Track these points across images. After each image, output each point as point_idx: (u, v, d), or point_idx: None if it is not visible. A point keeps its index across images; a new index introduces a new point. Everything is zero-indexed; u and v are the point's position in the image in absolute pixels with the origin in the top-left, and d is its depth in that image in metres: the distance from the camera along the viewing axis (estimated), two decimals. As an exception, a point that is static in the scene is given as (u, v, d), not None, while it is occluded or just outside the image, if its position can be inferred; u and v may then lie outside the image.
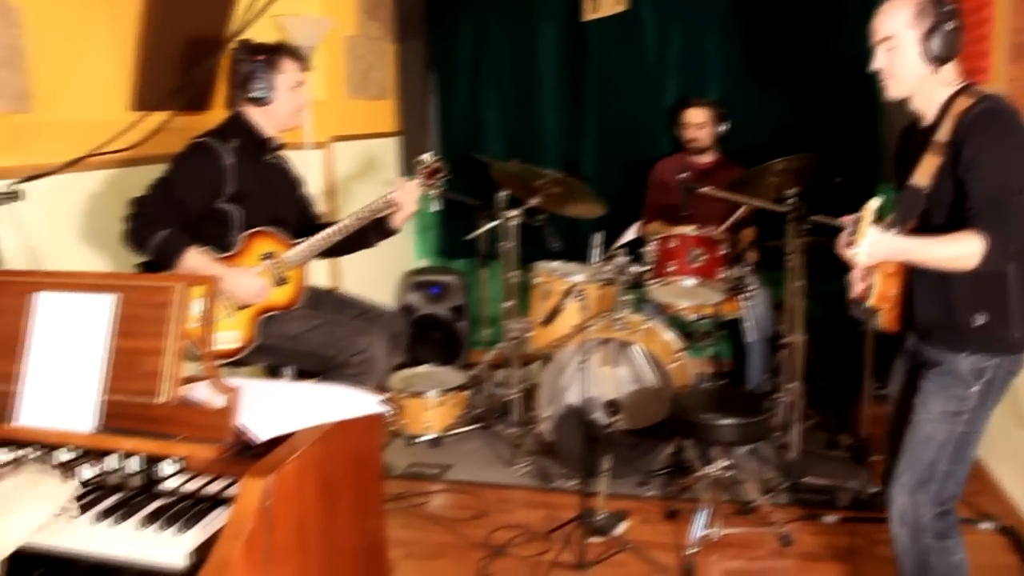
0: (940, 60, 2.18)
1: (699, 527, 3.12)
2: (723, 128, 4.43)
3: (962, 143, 2.13)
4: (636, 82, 4.84)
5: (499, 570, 3.07)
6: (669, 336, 3.88)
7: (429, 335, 5.08)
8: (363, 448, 1.73)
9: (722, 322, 4.25)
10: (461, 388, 4.31)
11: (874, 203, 2.02)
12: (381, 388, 3.21)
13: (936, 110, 2.25)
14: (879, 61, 2.27)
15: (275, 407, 1.64)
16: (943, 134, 2.18)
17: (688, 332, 4.25)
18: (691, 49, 4.77)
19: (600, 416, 3.62)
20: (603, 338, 3.85)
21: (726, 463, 3.24)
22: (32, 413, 1.66)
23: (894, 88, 2.28)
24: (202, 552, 1.33)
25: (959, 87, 2.23)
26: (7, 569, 1.24)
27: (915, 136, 2.34)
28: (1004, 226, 2.07)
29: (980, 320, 2.19)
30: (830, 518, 3.33)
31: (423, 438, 4.18)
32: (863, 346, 3.68)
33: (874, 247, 2.07)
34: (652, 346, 3.72)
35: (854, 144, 4.43)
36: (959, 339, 2.23)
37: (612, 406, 3.43)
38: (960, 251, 2.09)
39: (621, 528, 3.31)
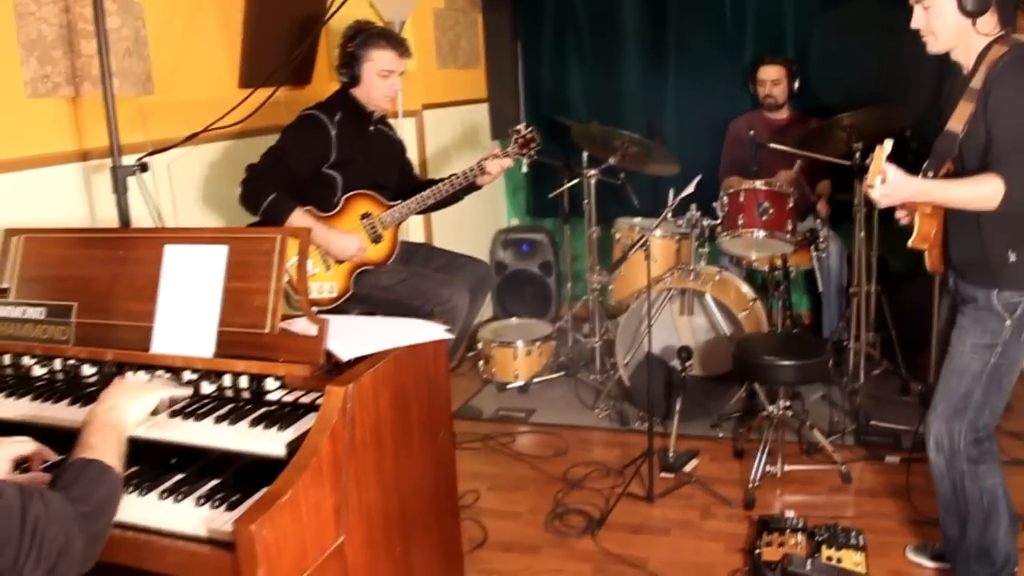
0: (976, 13, 2.26)
1: (762, 463, 3.33)
2: (797, 85, 4.53)
3: (991, 90, 2.24)
4: (714, 43, 4.95)
5: (574, 500, 3.35)
6: (743, 287, 4.06)
7: (521, 290, 5.38)
8: (431, 368, 2.04)
9: (802, 273, 4.39)
10: (547, 339, 4.59)
11: (887, 144, 2.17)
12: (465, 332, 3.51)
13: (973, 59, 2.33)
14: (918, 20, 2.36)
15: (357, 335, 1.95)
16: (976, 81, 2.28)
17: (764, 283, 4.41)
18: (768, 9, 4.85)
19: (675, 362, 3.83)
20: (678, 288, 4.06)
21: (788, 403, 3.42)
22: (163, 342, 2.01)
23: (934, 44, 2.37)
24: (296, 445, 1.66)
25: (996, 36, 2.30)
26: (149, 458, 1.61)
27: (956, 83, 2.44)
28: None
29: (1012, 257, 2.30)
30: (892, 458, 3.48)
31: (512, 385, 4.48)
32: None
33: (895, 188, 2.22)
34: (726, 296, 3.91)
35: (931, 97, 4.45)
36: (992, 276, 2.34)
37: (684, 352, 3.64)
38: (980, 192, 2.21)
39: (691, 465, 3.55)
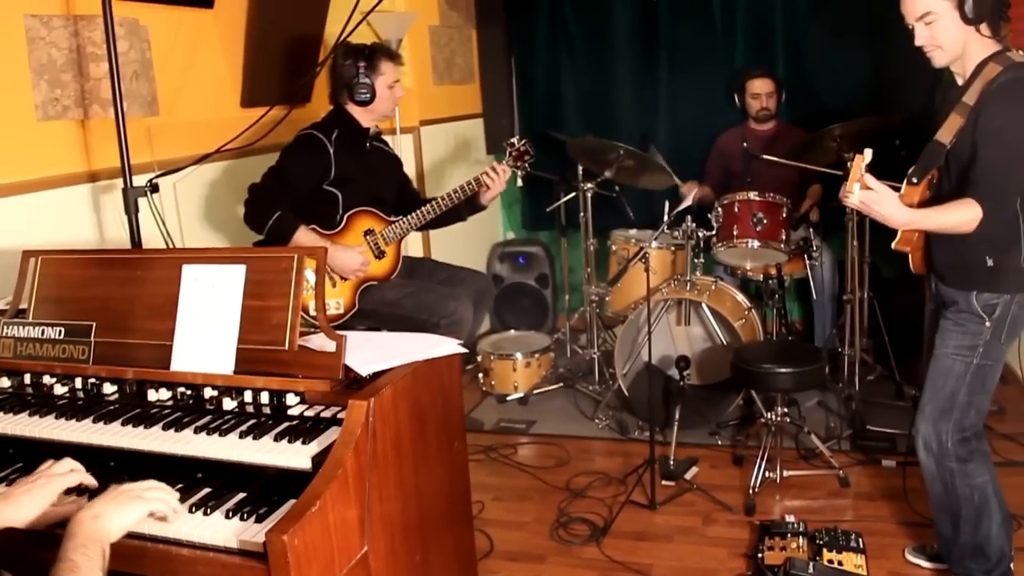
0: (977, 20, 2.32)
1: (761, 469, 3.39)
2: (783, 97, 4.61)
3: (982, 110, 2.31)
4: (706, 53, 5.05)
5: (577, 509, 3.41)
6: (738, 296, 4.14)
7: (517, 303, 5.45)
8: (446, 381, 2.10)
9: (794, 282, 4.47)
10: (545, 350, 4.65)
11: (867, 153, 2.25)
12: (469, 342, 3.58)
13: (970, 70, 2.40)
14: (921, 37, 2.40)
15: (375, 350, 2.01)
16: (970, 97, 2.35)
17: (759, 292, 4.49)
18: (758, 20, 4.94)
19: (673, 372, 3.89)
20: (675, 299, 4.13)
21: (785, 410, 3.48)
22: (183, 360, 2.06)
23: (941, 57, 2.42)
24: (320, 458, 1.71)
25: (993, 52, 2.36)
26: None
27: (951, 92, 2.49)
28: (1003, 194, 2.31)
29: (989, 262, 2.39)
30: (888, 462, 3.55)
31: (511, 397, 4.54)
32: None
33: (878, 201, 2.29)
34: (722, 306, 3.98)
35: (921, 107, 4.54)
36: (971, 279, 2.44)
37: (682, 362, 3.71)
38: (960, 218, 2.32)
39: (691, 473, 3.61)
